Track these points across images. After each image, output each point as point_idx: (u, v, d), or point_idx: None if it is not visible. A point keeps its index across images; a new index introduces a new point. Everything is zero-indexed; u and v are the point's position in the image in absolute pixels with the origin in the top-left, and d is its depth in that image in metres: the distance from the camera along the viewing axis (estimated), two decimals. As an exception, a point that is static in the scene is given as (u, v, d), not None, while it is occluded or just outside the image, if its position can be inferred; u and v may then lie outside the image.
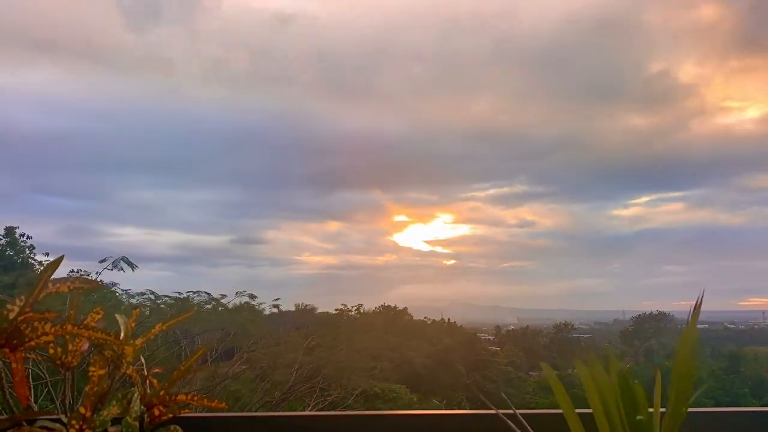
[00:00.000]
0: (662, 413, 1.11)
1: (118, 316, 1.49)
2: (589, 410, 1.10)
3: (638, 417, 1.01)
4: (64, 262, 1.33)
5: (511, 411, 1.27)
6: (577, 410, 1.14)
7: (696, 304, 1.15)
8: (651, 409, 1.06)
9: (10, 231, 21.05)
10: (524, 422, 1.23)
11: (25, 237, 21.46)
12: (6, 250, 20.94)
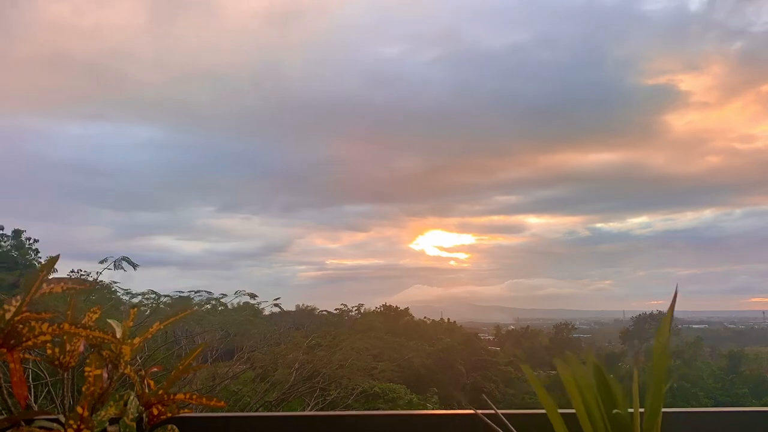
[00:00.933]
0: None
1: (110, 321, 1.48)
2: (573, 411, 1.11)
3: (614, 411, 1.02)
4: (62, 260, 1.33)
5: (492, 411, 1.27)
6: (562, 410, 1.14)
7: (673, 301, 1.18)
8: (631, 410, 1.06)
9: (17, 233, 21.25)
10: (505, 421, 1.23)
11: (31, 240, 21.61)
12: (11, 251, 21.07)
